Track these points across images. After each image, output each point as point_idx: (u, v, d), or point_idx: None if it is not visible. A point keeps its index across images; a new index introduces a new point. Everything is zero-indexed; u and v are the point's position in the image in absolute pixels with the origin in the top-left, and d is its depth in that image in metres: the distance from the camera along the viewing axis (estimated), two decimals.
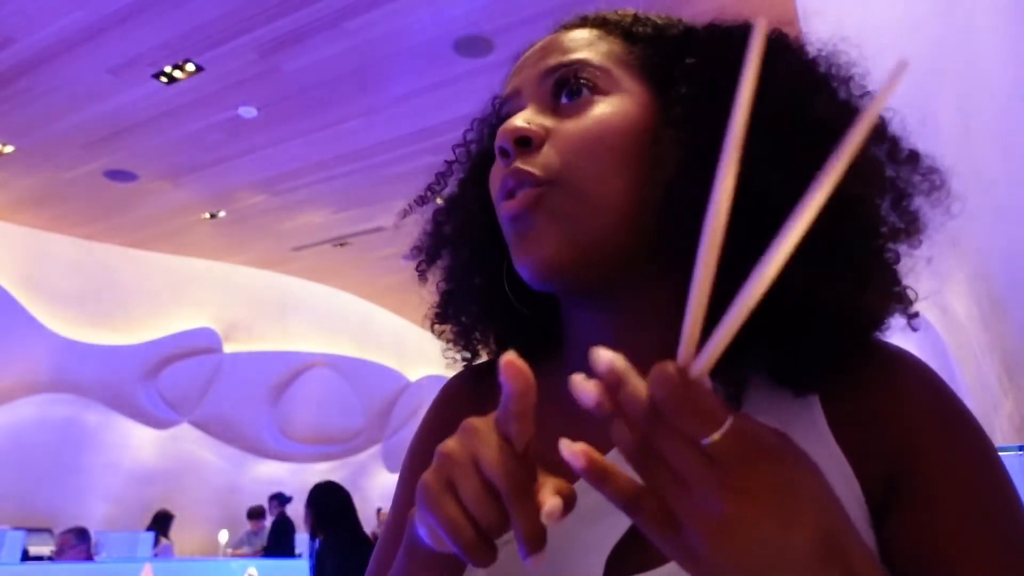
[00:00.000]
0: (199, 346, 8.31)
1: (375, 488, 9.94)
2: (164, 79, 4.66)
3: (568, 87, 0.56)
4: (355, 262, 8.21)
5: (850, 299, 0.49)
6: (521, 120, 0.54)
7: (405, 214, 0.71)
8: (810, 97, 0.50)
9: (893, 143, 0.53)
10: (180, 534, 7.79)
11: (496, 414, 0.41)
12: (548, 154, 0.53)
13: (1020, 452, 1.79)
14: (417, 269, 0.69)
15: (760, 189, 0.46)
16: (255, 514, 7.49)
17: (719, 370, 0.35)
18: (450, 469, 0.40)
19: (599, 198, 0.52)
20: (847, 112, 0.50)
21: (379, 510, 9.29)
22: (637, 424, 0.34)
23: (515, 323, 0.64)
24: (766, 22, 0.33)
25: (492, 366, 0.68)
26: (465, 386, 0.68)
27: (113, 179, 6.12)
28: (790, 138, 0.48)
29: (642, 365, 0.39)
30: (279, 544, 6.55)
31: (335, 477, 4.98)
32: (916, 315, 0.53)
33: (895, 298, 0.52)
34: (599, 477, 0.36)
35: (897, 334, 0.54)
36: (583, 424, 0.43)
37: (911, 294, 0.53)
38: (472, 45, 4.33)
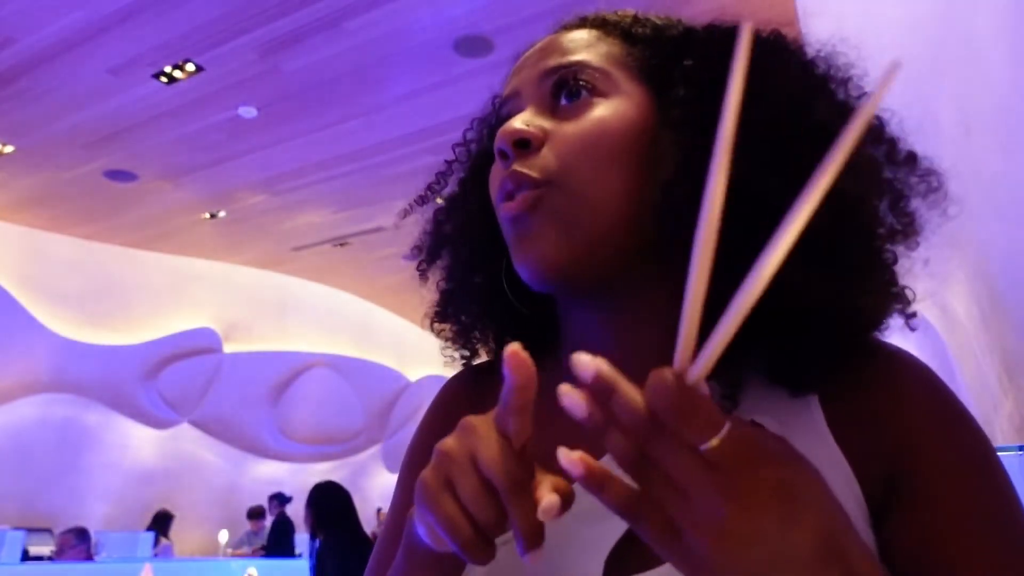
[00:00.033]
0: (199, 346, 8.31)
1: (375, 488, 9.95)
2: (164, 79, 4.67)
3: (567, 89, 0.56)
4: (355, 262, 8.21)
5: (849, 299, 0.49)
6: (520, 122, 0.54)
7: (405, 214, 0.71)
8: (808, 98, 0.50)
9: (891, 144, 0.53)
10: (180, 534, 7.79)
11: (495, 410, 0.41)
12: (547, 156, 0.53)
13: (1020, 452, 1.80)
14: (418, 268, 0.69)
15: (758, 191, 0.46)
16: (255, 514, 7.49)
17: (717, 371, 0.35)
18: (448, 467, 0.40)
19: (598, 200, 0.52)
20: (845, 113, 0.50)
21: (379, 510, 9.29)
22: (632, 433, 0.34)
23: (514, 322, 0.65)
24: (752, 26, 0.33)
25: (491, 366, 0.68)
26: (464, 387, 0.68)
27: (113, 179, 6.12)
28: (788, 139, 0.48)
29: (641, 364, 0.39)
30: (279, 544, 6.55)
31: (335, 477, 4.98)
32: (914, 315, 0.53)
33: (893, 298, 0.52)
34: (597, 484, 0.36)
35: (896, 334, 0.54)
36: (581, 424, 0.43)
37: (909, 294, 0.53)
38: (472, 45, 4.34)
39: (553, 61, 0.57)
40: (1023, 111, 1.75)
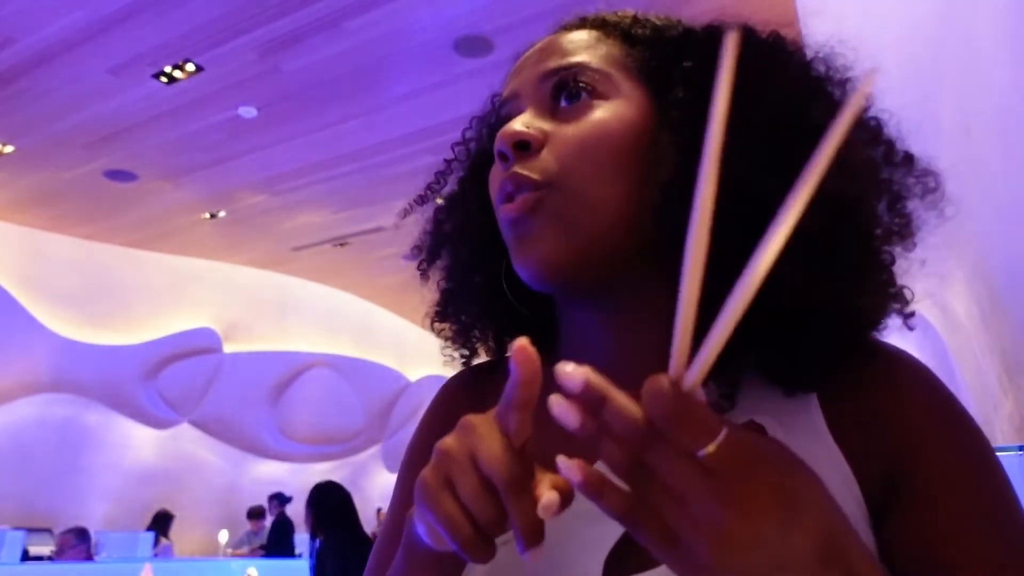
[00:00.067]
0: (199, 346, 8.31)
1: (375, 488, 9.94)
2: (164, 79, 4.67)
3: (567, 90, 0.56)
4: (355, 262, 8.21)
5: (848, 299, 0.49)
6: (520, 124, 0.55)
7: (405, 214, 0.71)
8: (806, 99, 0.51)
9: (889, 146, 0.53)
10: (180, 534, 7.79)
11: (498, 406, 0.41)
12: (547, 159, 0.54)
13: (1020, 452, 1.79)
14: (418, 268, 0.69)
15: (757, 192, 0.46)
16: (255, 514, 7.49)
17: (715, 371, 0.35)
18: (448, 466, 0.40)
19: (597, 201, 0.52)
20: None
21: (379, 510, 9.29)
22: (626, 441, 0.34)
23: (514, 322, 0.65)
24: (737, 35, 0.33)
25: (491, 367, 0.68)
26: (463, 387, 0.68)
27: (113, 179, 6.12)
28: (786, 140, 0.48)
29: (640, 364, 0.39)
30: (279, 544, 6.55)
31: (335, 477, 4.98)
32: (912, 315, 0.53)
33: (892, 298, 0.52)
34: (596, 491, 0.36)
35: (896, 334, 0.54)
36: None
37: (908, 294, 0.53)
38: (472, 45, 4.34)
39: (553, 63, 0.57)
40: (1023, 111, 1.75)
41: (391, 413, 10.06)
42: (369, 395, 9.78)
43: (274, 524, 6.84)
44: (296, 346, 9.09)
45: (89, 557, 5.38)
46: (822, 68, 0.54)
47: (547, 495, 0.37)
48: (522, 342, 0.38)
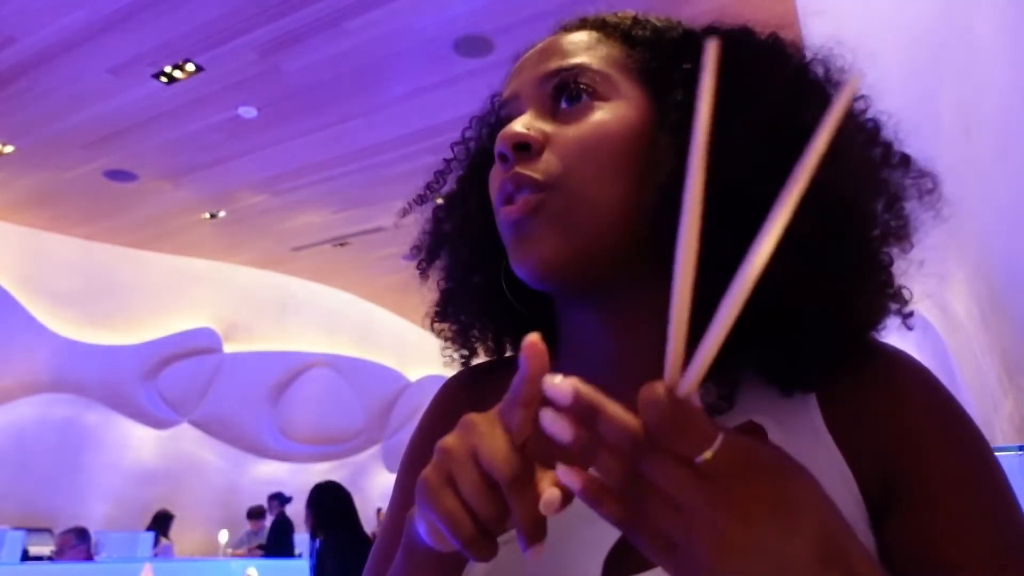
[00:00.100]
0: (199, 346, 8.31)
1: (375, 488, 9.95)
2: (164, 79, 4.67)
3: (568, 92, 0.56)
4: (355, 262, 8.21)
5: (846, 299, 0.49)
6: (520, 125, 0.55)
7: (404, 213, 0.71)
8: (803, 101, 0.51)
9: (887, 147, 0.53)
10: (180, 534, 7.79)
11: (502, 402, 0.41)
12: (548, 159, 0.54)
13: (1020, 452, 1.79)
14: (417, 267, 0.69)
15: (754, 195, 0.46)
16: (255, 514, 7.49)
17: (713, 372, 0.35)
18: (449, 464, 0.40)
19: (597, 202, 0.53)
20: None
21: (379, 510, 9.29)
22: (622, 452, 0.34)
23: (513, 322, 0.65)
24: (717, 44, 0.33)
25: (490, 367, 0.68)
26: (463, 387, 0.68)
27: (113, 179, 6.12)
28: (783, 143, 0.48)
29: (639, 364, 0.39)
30: (278, 544, 6.55)
31: (335, 477, 4.98)
32: (911, 315, 0.53)
33: (891, 298, 0.52)
34: (596, 499, 0.36)
35: (895, 334, 0.54)
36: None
37: (906, 294, 0.53)
38: (472, 45, 4.34)
39: (554, 64, 0.57)
40: (1023, 111, 1.75)
41: (391, 413, 10.06)
42: (369, 395, 9.78)
43: (273, 524, 6.83)
44: (296, 346, 9.09)
45: (89, 557, 5.38)
46: (820, 70, 0.54)
47: (549, 491, 0.37)
48: (533, 337, 0.38)
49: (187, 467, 8.61)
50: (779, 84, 0.51)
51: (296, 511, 6.15)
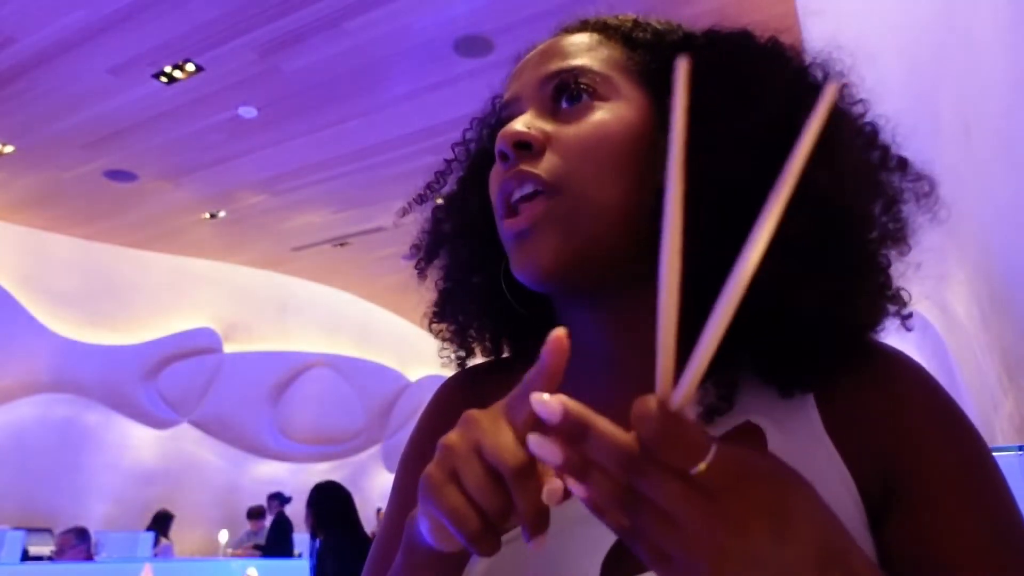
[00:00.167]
0: (199, 346, 8.31)
1: (375, 488, 9.95)
2: (164, 79, 4.67)
3: (568, 92, 0.56)
4: (355, 262, 8.22)
5: (844, 301, 0.49)
6: (521, 124, 0.55)
7: (404, 213, 0.71)
8: (799, 105, 0.51)
9: (884, 150, 0.54)
10: (180, 534, 7.79)
11: (510, 395, 0.41)
12: (551, 159, 0.54)
13: (1020, 452, 1.79)
14: (416, 267, 0.69)
15: (751, 199, 0.46)
16: (255, 514, 7.49)
17: (712, 373, 0.34)
18: (453, 460, 0.40)
19: (598, 203, 0.53)
20: (838, 120, 0.51)
21: (379, 510, 9.29)
22: (615, 470, 0.34)
23: (512, 322, 0.65)
24: (687, 64, 0.33)
25: (489, 368, 0.68)
26: (461, 388, 0.68)
27: (113, 179, 6.12)
28: (784, 146, 0.48)
29: (638, 364, 0.39)
30: (278, 544, 6.55)
31: (335, 477, 4.98)
32: (910, 316, 0.54)
33: (889, 300, 0.53)
34: (599, 508, 0.36)
35: (895, 334, 0.54)
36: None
37: (905, 295, 0.53)
38: (472, 45, 4.34)
39: (554, 65, 0.57)
40: (1023, 111, 1.75)
41: (391, 413, 10.06)
42: (369, 395, 9.78)
43: (273, 524, 6.83)
44: (296, 346, 9.09)
45: (89, 557, 5.38)
46: (819, 73, 0.54)
47: (552, 482, 0.37)
48: (560, 332, 0.39)
49: (187, 467, 8.62)
50: (778, 87, 0.51)
51: (296, 511, 6.15)
